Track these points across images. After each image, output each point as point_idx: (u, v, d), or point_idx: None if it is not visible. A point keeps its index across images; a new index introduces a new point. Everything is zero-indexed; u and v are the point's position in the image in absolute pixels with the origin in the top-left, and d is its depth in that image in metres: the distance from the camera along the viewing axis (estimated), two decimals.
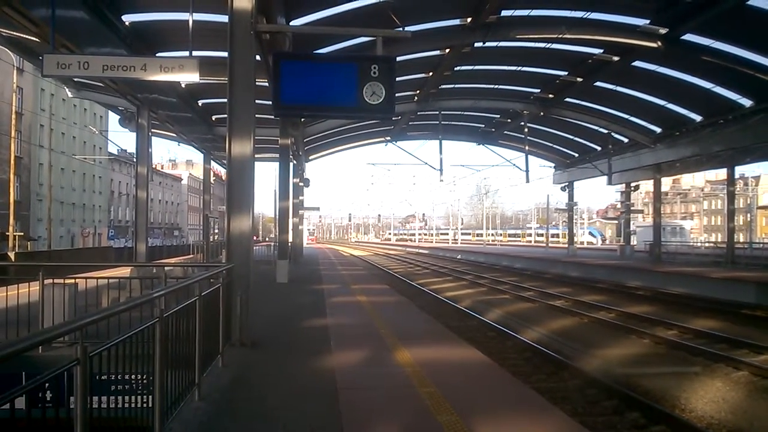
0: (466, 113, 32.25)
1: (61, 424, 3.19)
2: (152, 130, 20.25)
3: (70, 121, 60.12)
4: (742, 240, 49.89)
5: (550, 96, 26.71)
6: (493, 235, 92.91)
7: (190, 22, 11.83)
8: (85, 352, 3.04)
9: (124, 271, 14.96)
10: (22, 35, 13.36)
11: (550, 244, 57.99)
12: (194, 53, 11.18)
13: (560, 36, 18.22)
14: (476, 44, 19.57)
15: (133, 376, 4.23)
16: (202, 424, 5.14)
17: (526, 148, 31.51)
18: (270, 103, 7.86)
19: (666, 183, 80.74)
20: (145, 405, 4.34)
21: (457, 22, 18.49)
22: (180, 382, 5.07)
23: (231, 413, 5.51)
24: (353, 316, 12.07)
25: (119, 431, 3.95)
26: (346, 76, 7.50)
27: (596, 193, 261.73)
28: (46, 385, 2.86)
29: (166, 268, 10.66)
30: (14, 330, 7.45)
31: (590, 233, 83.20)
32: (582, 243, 69.68)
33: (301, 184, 34.84)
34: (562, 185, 40.25)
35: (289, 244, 27.93)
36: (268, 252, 31.60)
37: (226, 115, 8.97)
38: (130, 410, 4.24)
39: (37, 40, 12.80)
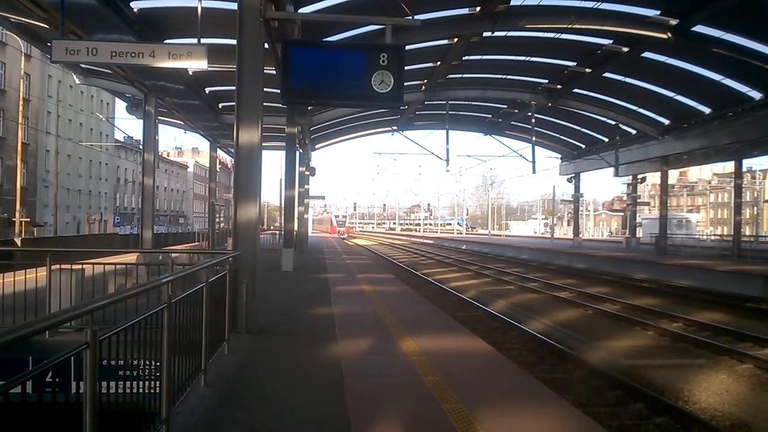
0: (473, 103, 32.15)
1: (70, 409, 3.20)
2: (159, 118, 20.27)
3: (77, 107, 60.09)
4: (748, 233, 49.58)
5: (558, 86, 26.60)
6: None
7: (199, 9, 11.81)
8: (95, 336, 3.05)
9: (131, 258, 15.02)
10: (31, 21, 13.41)
11: (440, 232, 73.05)
12: (202, 40, 11.18)
13: (569, 26, 18.12)
14: (485, 34, 19.49)
15: (140, 362, 4.25)
16: (208, 410, 5.18)
17: (533, 138, 31.42)
18: (277, 91, 7.85)
19: (673, 175, 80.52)
20: (152, 390, 4.36)
21: (466, 11, 18.41)
22: (187, 368, 5.10)
23: (236, 399, 5.54)
24: (358, 305, 12.10)
25: (126, 416, 3.96)
26: (355, 64, 7.47)
27: (603, 184, 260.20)
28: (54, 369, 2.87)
29: (172, 255, 10.70)
30: (21, 315, 7.48)
31: (458, 223, 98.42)
32: (454, 231, 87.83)
33: (307, 172, 34.81)
34: (569, 176, 40.21)
35: (295, 232, 27.96)
36: (273, 240, 31.68)
37: (233, 103, 8.96)
38: (137, 395, 4.26)
39: (45, 26, 12.84)
